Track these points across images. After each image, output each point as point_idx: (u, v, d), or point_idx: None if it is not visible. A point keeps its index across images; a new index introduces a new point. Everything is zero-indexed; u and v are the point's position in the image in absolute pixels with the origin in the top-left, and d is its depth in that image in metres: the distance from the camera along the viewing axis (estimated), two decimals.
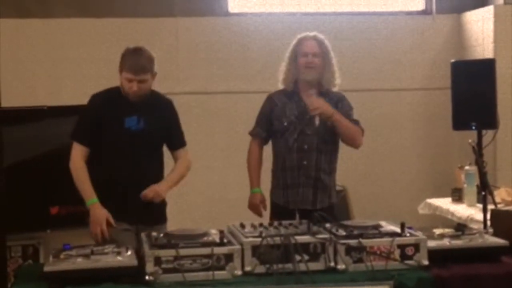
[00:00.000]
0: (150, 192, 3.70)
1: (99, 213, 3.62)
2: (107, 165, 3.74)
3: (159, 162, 3.92)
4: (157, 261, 2.89)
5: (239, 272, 2.95)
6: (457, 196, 5.24)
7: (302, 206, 3.99)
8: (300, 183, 4.01)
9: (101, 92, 3.85)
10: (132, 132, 3.74)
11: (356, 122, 4.13)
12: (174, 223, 4.59)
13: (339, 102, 4.11)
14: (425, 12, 6.50)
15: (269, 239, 2.98)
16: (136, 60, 3.70)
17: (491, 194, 4.09)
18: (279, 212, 3.96)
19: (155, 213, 3.80)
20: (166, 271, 2.89)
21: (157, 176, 3.86)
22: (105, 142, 3.74)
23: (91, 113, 3.78)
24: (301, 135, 4.02)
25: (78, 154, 3.73)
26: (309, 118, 4.00)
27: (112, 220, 3.62)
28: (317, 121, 3.95)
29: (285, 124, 4.04)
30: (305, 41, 4.09)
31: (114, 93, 3.80)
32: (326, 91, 4.10)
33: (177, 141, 3.99)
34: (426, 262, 3.05)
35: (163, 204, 3.88)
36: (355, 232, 3.14)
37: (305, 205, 3.99)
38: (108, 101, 3.77)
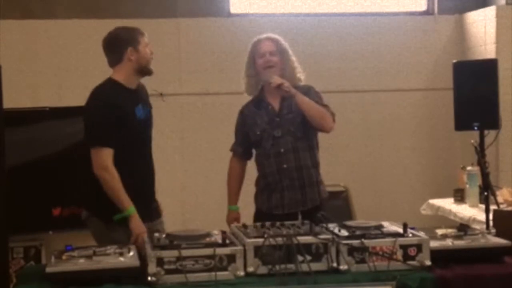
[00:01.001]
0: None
1: (143, 225, 3.51)
2: (126, 161, 3.57)
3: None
4: (160, 262, 2.89)
5: (241, 273, 2.95)
6: (459, 196, 5.23)
7: (291, 209, 3.88)
8: (283, 187, 3.94)
9: (105, 88, 3.63)
10: (142, 121, 3.68)
11: (324, 105, 3.99)
12: (175, 224, 4.59)
13: (306, 94, 3.99)
14: (427, 13, 6.51)
15: (271, 239, 2.98)
16: (136, 27, 3.70)
17: (494, 194, 4.10)
18: (262, 218, 3.68)
19: (159, 206, 3.88)
20: (168, 272, 2.89)
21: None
22: (125, 139, 3.56)
23: (109, 113, 3.52)
24: (275, 139, 3.95)
25: (109, 160, 3.48)
26: (279, 120, 3.96)
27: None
28: (271, 82, 3.85)
29: (258, 133, 3.98)
30: (260, 43, 4.03)
31: (115, 85, 3.63)
32: (294, 87, 3.97)
33: None
34: (428, 263, 3.05)
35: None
36: (358, 232, 3.13)
37: (294, 208, 3.88)
38: (116, 94, 3.59)
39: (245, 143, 4.07)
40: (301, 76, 4.05)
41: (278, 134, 3.95)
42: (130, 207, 3.49)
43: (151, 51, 3.70)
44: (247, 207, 4.14)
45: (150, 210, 3.73)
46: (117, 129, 3.52)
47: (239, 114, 4.13)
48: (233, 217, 4.04)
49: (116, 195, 3.48)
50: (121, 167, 3.53)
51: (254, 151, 4.09)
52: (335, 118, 3.98)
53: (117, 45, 3.62)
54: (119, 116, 3.53)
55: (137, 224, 3.49)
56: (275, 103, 4.01)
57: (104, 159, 3.49)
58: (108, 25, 5.89)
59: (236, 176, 4.12)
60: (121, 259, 2.97)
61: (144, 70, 3.68)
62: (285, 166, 3.94)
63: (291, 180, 3.94)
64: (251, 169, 4.13)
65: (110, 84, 3.64)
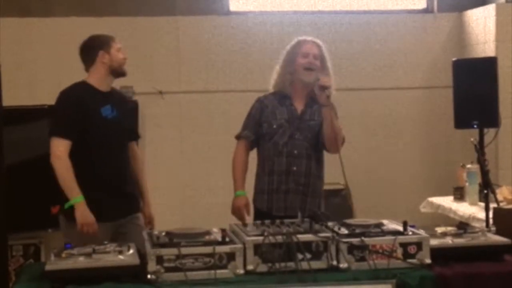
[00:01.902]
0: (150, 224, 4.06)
1: (90, 215, 3.69)
2: (90, 158, 3.79)
3: (128, 153, 4.03)
4: (159, 260, 2.88)
5: (241, 271, 2.94)
6: (459, 194, 5.23)
7: (288, 212, 3.83)
8: (289, 189, 3.93)
9: (72, 87, 3.90)
10: (108, 120, 3.85)
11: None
12: (175, 223, 4.59)
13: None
14: (426, 11, 6.51)
15: (271, 237, 2.98)
16: (110, 35, 3.97)
17: (493, 192, 4.10)
18: (261, 219, 3.53)
19: (134, 202, 3.99)
20: (168, 270, 2.88)
21: (129, 166, 4.00)
22: (88, 135, 3.78)
23: (70, 109, 3.78)
24: (291, 139, 3.94)
25: (63, 149, 3.71)
26: (299, 123, 3.96)
27: (96, 225, 3.70)
28: (317, 91, 3.84)
29: (275, 126, 3.96)
30: (305, 43, 4.03)
31: (85, 86, 3.88)
32: (314, 97, 3.99)
33: (135, 134, 4.20)
34: (428, 261, 3.04)
35: (137, 192, 4.04)
36: (358, 230, 3.13)
37: (291, 212, 3.81)
38: (83, 94, 3.84)
39: (257, 132, 4.04)
40: (333, 91, 3.92)
41: (297, 136, 3.93)
42: (77, 196, 3.68)
43: (124, 55, 3.95)
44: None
45: (119, 206, 3.84)
46: (80, 125, 3.75)
47: (257, 102, 4.08)
48: (242, 202, 3.99)
49: (65, 184, 3.70)
50: (78, 160, 3.73)
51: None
52: (343, 142, 3.97)
53: (90, 50, 3.91)
54: (83, 113, 3.76)
55: (82, 214, 3.67)
56: (298, 105, 4.01)
57: (59, 149, 3.71)
58: (107, 23, 5.96)
59: (243, 163, 4.06)
60: (121, 257, 2.97)
61: (116, 72, 3.92)
62: (294, 168, 3.93)
63: (297, 184, 3.93)
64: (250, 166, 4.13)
65: (78, 85, 3.90)
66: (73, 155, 3.75)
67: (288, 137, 3.94)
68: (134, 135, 4.17)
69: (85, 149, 3.78)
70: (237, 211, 3.99)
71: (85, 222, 3.67)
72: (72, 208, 3.71)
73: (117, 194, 3.85)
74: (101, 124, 3.82)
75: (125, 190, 3.91)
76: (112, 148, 3.86)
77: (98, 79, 3.89)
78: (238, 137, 4.10)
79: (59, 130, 3.76)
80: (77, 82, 3.92)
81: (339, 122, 3.99)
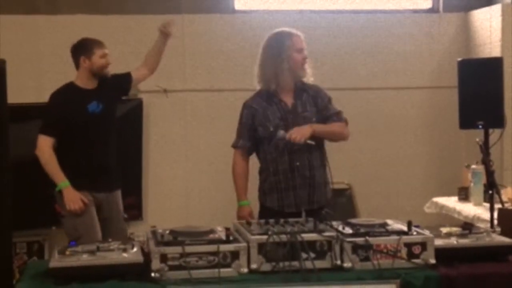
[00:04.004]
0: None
1: (75, 193, 4.29)
2: (78, 150, 4.37)
3: (115, 143, 4.56)
4: (163, 258, 2.88)
5: (245, 270, 2.94)
6: (464, 195, 5.22)
7: (298, 208, 3.86)
8: (296, 185, 3.94)
9: (59, 89, 4.45)
10: (95, 115, 4.39)
11: (337, 114, 4.05)
12: (179, 220, 4.60)
13: (318, 95, 4.03)
14: (432, 11, 6.50)
15: (275, 236, 2.97)
16: (96, 40, 4.47)
17: (498, 193, 4.08)
18: (273, 217, 3.47)
19: (115, 182, 4.56)
20: (172, 268, 2.88)
21: (115, 154, 4.55)
22: (75, 130, 4.34)
23: (56, 110, 4.35)
24: None
25: (46, 144, 4.31)
26: (293, 117, 3.95)
27: (85, 200, 4.32)
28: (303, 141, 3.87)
29: (271, 129, 3.94)
30: (295, 37, 3.97)
31: (71, 87, 4.44)
32: (302, 84, 4.02)
33: (125, 75, 4.67)
34: (433, 261, 3.03)
35: (119, 172, 4.60)
36: (362, 230, 3.12)
37: (301, 207, 3.84)
38: (70, 95, 4.40)
39: (253, 138, 4.03)
40: (311, 76, 4.04)
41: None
42: (62, 182, 4.30)
43: (106, 61, 4.44)
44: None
45: (99, 182, 4.42)
46: (66, 123, 4.31)
47: (245, 108, 4.05)
48: (247, 211, 3.98)
49: (50, 171, 4.32)
50: (66, 152, 4.35)
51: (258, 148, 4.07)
52: (347, 123, 4.05)
53: (74, 54, 4.48)
54: (69, 112, 4.33)
55: (68, 195, 4.29)
56: (287, 99, 4.00)
57: (42, 144, 4.33)
58: (112, 21, 5.97)
59: (244, 172, 4.05)
60: (125, 255, 2.97)
61: (97, 75, 4.44)
62: (298, 163, 3.94)
63: (303, 178, 3.94)
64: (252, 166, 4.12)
65: (65, 87, 4.46)
66: (61, 148, 4.34)
67: None
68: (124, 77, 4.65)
69: (73, 144, 4.35)
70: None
71: (71, 200, 4.27)
72: (61, 191, 4.31)
73: (98, 173, 4.41)
74: (88, 119, 4.36)
75: (106, 169, 4.47)
76: (99, 139, 4.41)
77: (82, 79, 4.44)
78: (234, 147, 4.09)
79: (45, 129, 4.34)
80: (66, 83, 4.46)
81: (333, 103, 4.07)
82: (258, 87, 4.07)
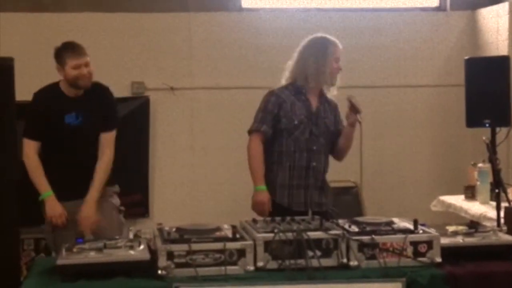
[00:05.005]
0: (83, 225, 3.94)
1: (58, 207, 3.92)
2: (50, 157, 4.01)
3: (96, 154, 4.08)
4: (170, 255, 2.89)
5: (251, 268, 2.95)
6: (470, 193, 5.21)
7: (307, 208, 3.93)
8: (309, 185, 3.97)
9: (43, 90, 4.08)
10: (71, 127, 3.98)
11: None
12: (185, 218, 4.60)
13: (335, 110, 4.15)
14: (439, 9, 6.49)
15: (281, 234, 2.98)
16: (73, 47, 4.00)
17: (505, 191, 4.07)
18: (282, 214, 3.48)
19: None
20: (178, 265, 2.89)
21: (94, 166, 4.06)
22: (48, 137, 3.98)
23: (36, 112, 4.01)
24: (311, 135, 3.99)
25: (31, 149, 3.97)
26: (316, 118, 4.00)
27: (66, 218, 3.92)
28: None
29: (296, 122, 3.97)
30: (337, 48, 4.07)
31: (55, 90, 4.05)
32: (326, 96, 4.12)
33: (107, 125, 4.10)
34: (439, 259, 3.04)
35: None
36: (368, 228, 3.13)
37: (309, 207, 3.94)
38: (50, 99, 4.03)
39: (274, 127, 4.01)
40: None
41: (316, 132, 3.98)
42: (45, 192, 3.94)
43: (79, 72, 3.93)
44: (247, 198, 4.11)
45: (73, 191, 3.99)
46: (44, 127, 3.97)
47: (272, 95, 4.04)
48: (266, 197, 3.94)
49: (34, 180, 3.96)
50: (49, 157, 4.01)
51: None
52: None
53: (55, 59, 4.05)
54: (47, 118, 3.97)
55: (50, 207, 3.92)
56: (313, 101, 4.04)
57: (27, 149, 3.98)
58: (119, 19, 5.97)
59: (260, 156, 4.00)
60: (132, 252, 2.98)
61: (73, 86, 4.00)
62: (314, 164, 3.98)
63: (316, 180, 3.99)
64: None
65: (50, 88, 4.08)
66: (44, 152, 4.02)
67: (309, 133, 3.98)
68: (104, 126, 4.09)
69: (50, 149, 4.00)
70: (260, 206, 3.94)
71: (53, 214, 3.90)
72: (43, 201, 3.95)
73: (73, 182, 4.00)
74: (63, 130, 3.98)
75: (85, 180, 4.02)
76: (74, 152, 4.00)
77: (64, 85, 4.04)
78: (253, 131, 4.03)
79: (28, 132, 4.01)
80: (51, 83, 4.09)
81: None
82: (283, 81, 4.09)
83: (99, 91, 4.11)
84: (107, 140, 4.06)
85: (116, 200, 4.18)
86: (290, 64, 4.09)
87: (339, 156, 4.15)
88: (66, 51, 3.99)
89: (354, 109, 3.95)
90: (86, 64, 3.96)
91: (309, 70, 4.01)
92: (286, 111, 3.99)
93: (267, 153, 4.05)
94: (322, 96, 4.08)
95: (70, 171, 3.98)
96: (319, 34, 4.12)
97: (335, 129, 4.10)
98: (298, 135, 3.97)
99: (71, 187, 3.97)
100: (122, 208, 4.23)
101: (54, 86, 4.07)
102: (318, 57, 4.00)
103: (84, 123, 4.00)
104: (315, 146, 3.98)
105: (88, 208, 3.93)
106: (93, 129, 4.04)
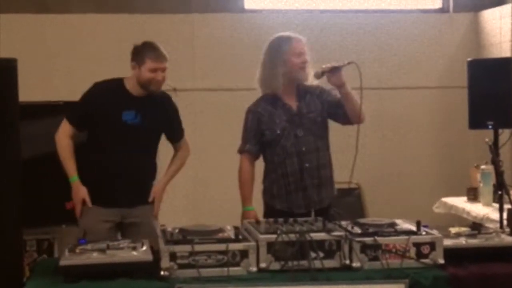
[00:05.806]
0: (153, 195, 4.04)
1: (79, 192, 3.91)
2: (101, 153, 3.94)
3: (152, 157, 4.11)
4: (172, 256, 2.90)
5: (254, 269, 2.95)
6: (473, 195, 5.22)
7: (307, 208, 3.92)
8: (306, 186, 3.95)
9: (105, 81, 4.02)
10: (128, 125, 3.92)
11: None
12: (188, 219, 4.61)
13: (321, 92, 4.04)
14: (442, 10, 6.49)
15: (284, 236, 2.98)
16: (157, 50, 3.93)
17: (508, 193, 4.06)
18: (279, 217, 3.49)
19: (140, 197, 4.03)
20: (181, 266, 2.90)
21: (148, 170, 4.09)
22: (101, 132, 3.94)
23: (89, 101, 3.97)
24: (297, 138, 3.94)
25: (65, 131, 3.98)
26: (299, 118, 3.95)
27: (88, 201, 3.90)
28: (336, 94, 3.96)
29: (278, 132, 3.94)
30: (295, 42, 3.98)
31: (116, 85, 3.98)
32: (304, 87, 4.03)
33: (177, 135, 4.21)
34: (442, 261, 3.04)
35: (148, 187, 4.09)
36: (371, 230, 3.13)
37: (313, 207, 3.93)
38: (109, 93, 3.96)
39: (259, 142, 4.02)
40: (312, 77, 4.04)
41: (300, 134, 3.94)
42: (71, 177, 3.94)
43: (154, 76, 3.89)
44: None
45: (113, 201, 3.94)
46: (91, 118, 3.93)
47: (250, 113, 4.05)
48: (252, 216, 3.89)
49: (63, 162, 3.98)
50: (91, 151, 3.97)
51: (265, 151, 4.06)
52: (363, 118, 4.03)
53: (132, 56, 3.97)
54: (99, 109, 3.90)
55: (74, 192, 3.93)
56: (291, 102, 4.00)
57: (62, 129, 4.00)
58: (122, 20, 5.98)
59: (250, 178, 4.05)
60: (134, 253, 2.99)
61: (143, 87, 3.94)
62: (307, 165, 3.94)
63: (312, 179, 3.95)
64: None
65: (112, 82, 4.01)
66: (88, 146, 4.01)
67: (294, 137, 3.95)
68: (175, 137, 4.21)
69: (97, 144, 3.96)
70: None
71: (74, 200, 3.94)
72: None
73: (122, 192, 3.94)
74: (118, 126, 3.91)
75: (131, 186, 3.97)
76: (125, 150, 3.93)
77: (132, 83, 3.96)
78: (241, 152, 4.09)
79: (70, 115, 4.01)
80: (115, 78, 4.02)
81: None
82: (260, 91, 4.08)
83: (162, 97, 4.07)
84: (183, 145, 4.25)
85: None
86: (256, 73, 4.08)
87: (355, 120, 3.94)
88: (149, 52, 3.93)
89: (330, 71, 3.86)
90: (163, 70, 3.93)
91: (264, 77, 4.01)
92: (266, 124, 3.97)
93: (264, 163, 4.09)
94: (300, 92, 4.01)
95: (111, 175, 3.91)
96: (276, 34, 4.06)
97: (333, 108, 4.01)
98: (284, 142, 3.94)
99: (109, 193, 3.91)
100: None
101: (118, 81, 4.00)
102: (271, 62, 3.97)
103: (142, 123, 3.93)
104: (304, 147, 3.93)
105: (159, 188, 4.09)
106: (149, 132, 3.99)
